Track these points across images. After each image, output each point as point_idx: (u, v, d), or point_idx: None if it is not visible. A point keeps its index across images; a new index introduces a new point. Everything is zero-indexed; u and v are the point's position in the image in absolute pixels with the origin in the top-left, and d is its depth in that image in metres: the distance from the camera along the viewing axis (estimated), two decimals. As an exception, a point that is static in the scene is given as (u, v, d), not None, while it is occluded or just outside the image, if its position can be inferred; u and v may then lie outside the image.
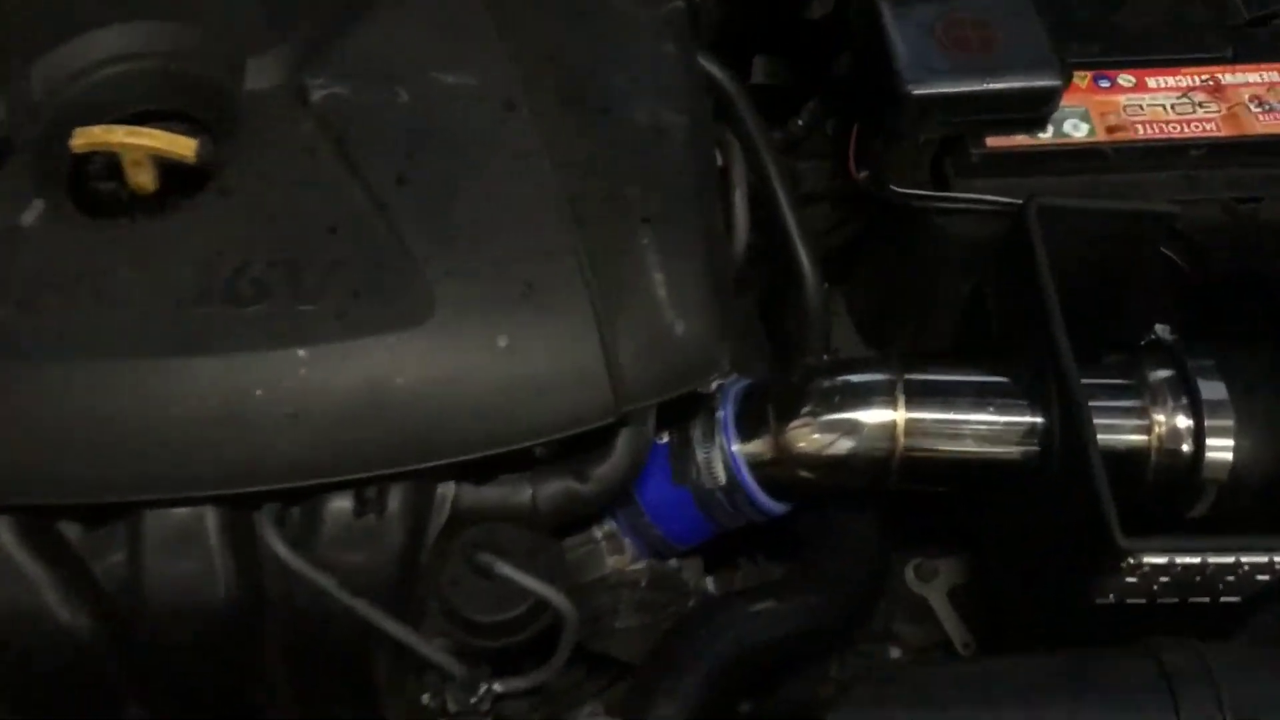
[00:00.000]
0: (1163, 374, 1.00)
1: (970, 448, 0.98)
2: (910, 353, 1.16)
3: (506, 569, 0.89)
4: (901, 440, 0.98)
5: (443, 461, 0.88)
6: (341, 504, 0.88)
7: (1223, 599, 0.94)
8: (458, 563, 0.90)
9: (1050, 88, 1.02)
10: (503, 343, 0.88)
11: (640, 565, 1.06)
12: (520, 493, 0.94)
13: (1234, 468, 0.97)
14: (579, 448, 0.95)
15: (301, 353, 0.85)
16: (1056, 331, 0.96)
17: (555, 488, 0.95)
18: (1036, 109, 1.03)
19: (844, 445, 0.99)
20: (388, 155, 0.92)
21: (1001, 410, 0.98)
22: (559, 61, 0.99)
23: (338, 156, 0.91)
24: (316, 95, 0.91)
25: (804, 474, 1.00)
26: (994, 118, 1.03)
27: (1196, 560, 0.89)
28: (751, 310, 1.22)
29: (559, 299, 0.89)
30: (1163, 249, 1.08)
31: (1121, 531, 0.88)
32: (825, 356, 1.06)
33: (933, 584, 1.26)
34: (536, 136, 0.94)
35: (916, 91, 0.99)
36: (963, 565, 1.26)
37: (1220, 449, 0.97)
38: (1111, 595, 0.93)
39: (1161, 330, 1.04)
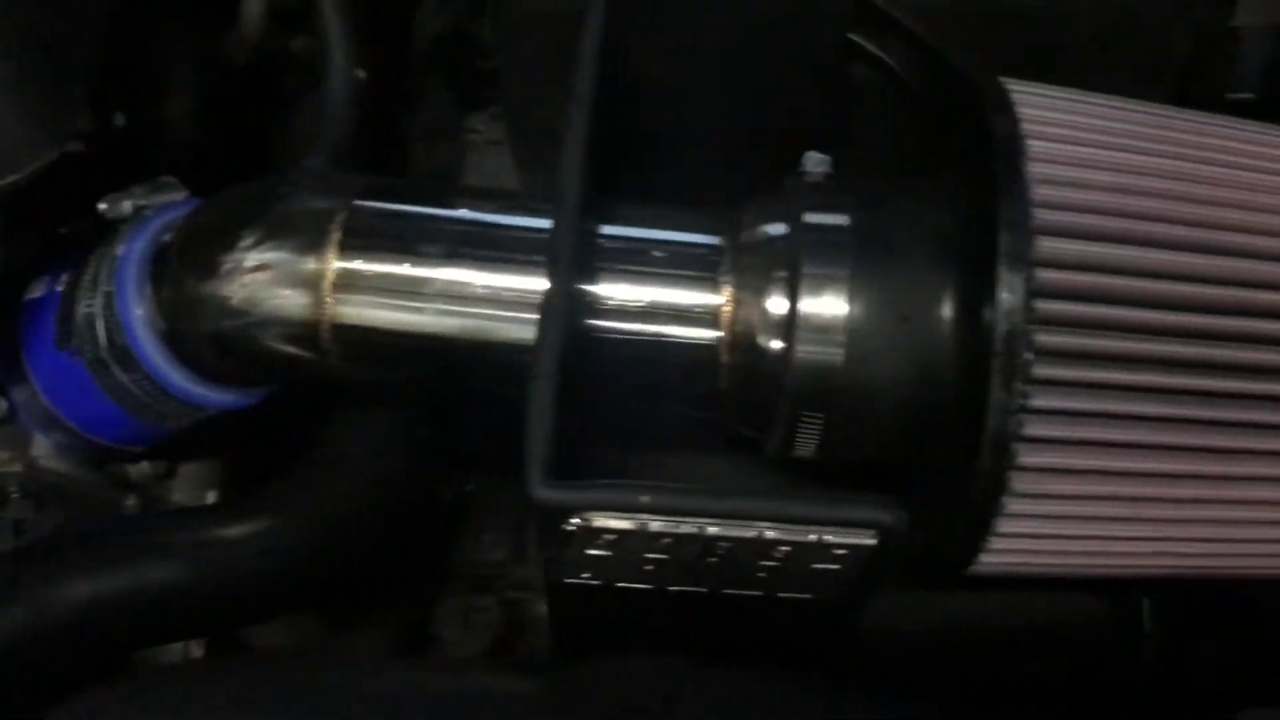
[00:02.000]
0: (766, 231, 0.62)
1: (412, 319, 0.62)
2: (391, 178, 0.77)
3: None
4: (330, 299, 0.63)
5: None
6: None
7: (781, 594, 0.58)
8: None
9: None
10: None
11: (14, 469, 0.74)
12: None
13: (847, 386, 0.59)
14: None
15: None
16: (570, 145, 0.59)
17: None
18: None
19: (251, 302, 0.64)
20: None
21: (474, 265, 0.62)
22: None
23: None
24: None
25: (217, 341, 0.66)
26: None
27: (666, 527, 0.52)
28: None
29: None
30: (853, 36, 0.69)
31: (546, 473, 0.52)
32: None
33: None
34: None
35: None
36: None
37: (819, 351, 0.59)
38: (585, 574, 0.57)
39: (813, 162, 0.65)
